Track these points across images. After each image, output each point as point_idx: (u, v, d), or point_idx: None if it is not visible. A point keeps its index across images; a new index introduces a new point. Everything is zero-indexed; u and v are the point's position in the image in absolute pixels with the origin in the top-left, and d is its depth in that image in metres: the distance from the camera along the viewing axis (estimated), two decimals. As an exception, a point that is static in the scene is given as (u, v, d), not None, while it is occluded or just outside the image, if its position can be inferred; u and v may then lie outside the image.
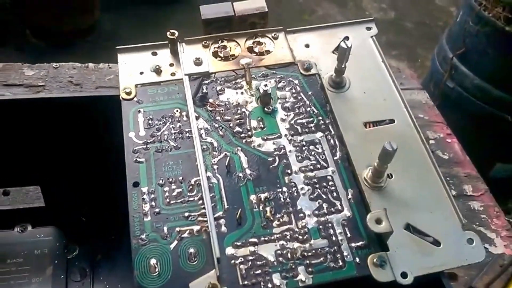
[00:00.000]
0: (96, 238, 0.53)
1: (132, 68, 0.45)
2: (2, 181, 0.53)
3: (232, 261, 0.35)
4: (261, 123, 0.43)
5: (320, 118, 0.44)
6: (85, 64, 0.76)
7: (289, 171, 0.40)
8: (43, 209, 0.54)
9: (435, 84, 1.41)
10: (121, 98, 0.43)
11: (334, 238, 0.37)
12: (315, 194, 0.39)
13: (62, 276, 0.49)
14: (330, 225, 0.37)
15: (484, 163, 1.33)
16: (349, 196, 0.39)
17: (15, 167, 0.50)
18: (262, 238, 0.36)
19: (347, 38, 0.49)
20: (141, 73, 0.45)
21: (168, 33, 0.45)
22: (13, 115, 0.46)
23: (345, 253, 0.36)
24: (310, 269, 0.35)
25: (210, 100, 0.44)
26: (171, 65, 0.46)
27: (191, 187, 0.39)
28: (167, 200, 0.38)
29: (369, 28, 0.50)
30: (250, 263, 0.35)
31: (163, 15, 2.03)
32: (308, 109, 0.44)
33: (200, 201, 0.38)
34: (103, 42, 1.83)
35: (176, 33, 0.45)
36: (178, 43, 0.46)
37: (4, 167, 0.50)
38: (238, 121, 0.43)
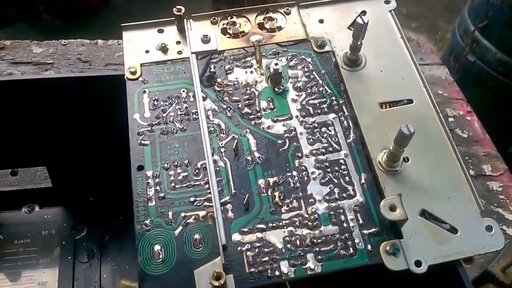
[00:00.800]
0: (104, 219, 0.52)
1: (138, 46, 0.44)
2: (10, 161, 0.53)
3: (239, 248, 0.34)
4: (271, 103, 0.41)
5: (334, 98, 0.42)
6: (94, 41, 0.74)
7: (299, 154, 0.38)
8: (51, 189, 0.53)
9: (455, 58, 1.37)
10: (125, 78, 0.42)
11: (345, 224, 0.35)
12: (326, 179, 0.37)
13: (69, 257, 0.49)
14: (341, 211, 0.36)
15: (505, 139, 1.30)
16: (362, 181, 0.37)
17: (22, 147, 0.50)
18: (270, 224, 0.35)
19: (364, 12, 0.46)
20: (147, 51, 0.44)
21: (174, 9, 0.43)
22: (18, 96, 0.45)
23: (356, 240, 0.35)
24: (319, 257, 0.34)
25: (218, 80, 0.42)
26: (178, 43, 0.44)
27: (197, 170, 0.37)
28: (172, 184, 0.36)
29: (387, 2, 0.47)
30: (257, 250, 0.34)
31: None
32: (321, 88, 0.42)
33: (206, 186, 0.36)
34: (115, 17, 1.81)
35: (183, 9, 0.43)
36: (185, 19, 0.44)
37: (11, 147, 0.49)
38: (247, 101, 0.41)
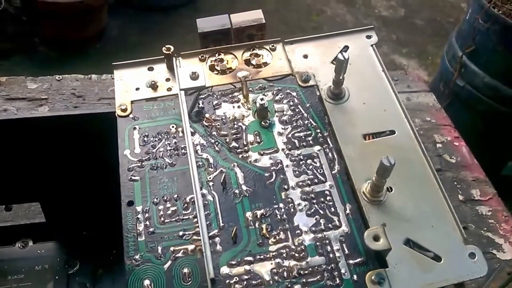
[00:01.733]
0: (97, 253, 0.53)
1: (128, 84, 0.45)
2: (4, 197, 0.54)
3: (227, 281, 0.35)
4: (258, 137, 0.42)
5: (318, 131, 0.43)
6: (88, 76, 0.76)
7: (286, 187, 0.39)
8: (44, 224, 0.54)
9: (444, 83, 1.40)
10: (116, 115, 0.43)
11: (331, 255, 0.36)
12: (312, 210, 0.38)
13: (63, 292, 0.49)
14: (327, 241, 0.37)
15: (496, 162, 1.32)
16: (347, 211, 0.38)
17: (16, 183, 0.51)
18: (258, 256, 0.36)
19: (346, 47, 0.48)
20: (137, 89, 0.45)
21: (163, 48, 0.45)
22: (12, 133, 0.47)
23: (342, 271, 0.35)
24: (306, 288, 0.34)
25: (207, 115, 0.44)
26: (168, 80, 0.46)
27: (186, 205, 0.38)
28: (162, 219, 0.37)
29: (369, 37, 0.49)
30: (245, 282, 0.35)
31: (170, 20, 2.04)
32: (306, 122, 0.43)
33: (195, 219, 0.37)
34: (110, 48, 1.84)
35: (172, 48, 0.45)
36: (174, 57, 0.46)
37: (5, 183, 0.50)
38: (234, 136, 0.42)
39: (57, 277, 0.51)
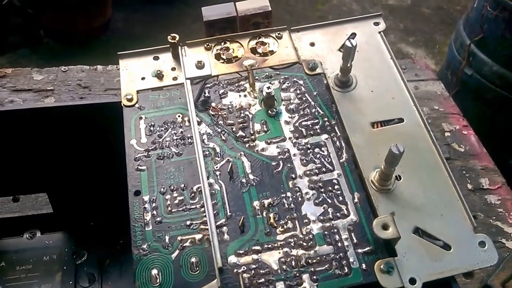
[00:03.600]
0: (105, 243, 0.53)
1: (134, 74, 0.45)
2: (11, 188, 0.54)
3: (235, 270, 0.34)
4: (264, 126, 0.42)
5: (326, 119, 0.42)
6: (93, 67, 0.76)
7: (293, 176, 0.39)
8: (52, 215, 0.54)
9: (452, 72, 1.38)
10: (122, 105, 0.43)
11: (339, 244, 0.36)
12: (320, 199, 0.38)
13: (71, 282, 0.50)
14: (335, 230, 0.36)
15: (504, 151, 1.31)
16: (356, 200, 0.38)
17: (23, 174, 0.51)
18: (266, 246, 0.36)
19: (354, 34, 0.47)
20: (143, 78, 0.45)
21: (169, 37, 0.45)
22: (19, 124, 0.47)
23: (351, 260, 0.35)
24: (314, 277, 0.34)
25: (213, 104, 0.43)
26: (173, 69, 0.45)
27: (193, 194, 0.38)
28: (169, 208, 0.37)
29: (377, 24, 0.49)
30: (253, 271, 0.34)
31: (175, 11, 2.03)
32: (313, 110, 0.43)
33: (202, 209, 0.37)
34: (116, 40, 1.84)
35: (177, 37, 0.45)
36: (179, 46, 0.45)
37: (12, 174, 0.50)
38: (241, 125, 0.42)
39: (65, 268, 0.51)
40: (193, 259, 0.35)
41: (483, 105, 1.29)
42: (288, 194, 0.38)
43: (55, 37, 1.79)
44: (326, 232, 0.36)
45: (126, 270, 0.52)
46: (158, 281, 0.34)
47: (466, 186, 0.69)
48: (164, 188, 0.38)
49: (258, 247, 0.36)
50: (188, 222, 0.37)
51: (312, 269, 0.35)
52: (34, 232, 0.53)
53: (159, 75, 0.45)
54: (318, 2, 2.52)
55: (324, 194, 0.38)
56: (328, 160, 0.40)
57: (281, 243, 0.36)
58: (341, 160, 0.40)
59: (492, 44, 1.23)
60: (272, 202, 0.38)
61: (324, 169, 0.39)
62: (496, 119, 1.29)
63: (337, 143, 0.41)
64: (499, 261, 0.57)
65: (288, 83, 0.45)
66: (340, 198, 0.38)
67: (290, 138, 0.41)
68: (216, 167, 0.39)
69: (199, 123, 0.42)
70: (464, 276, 0.64)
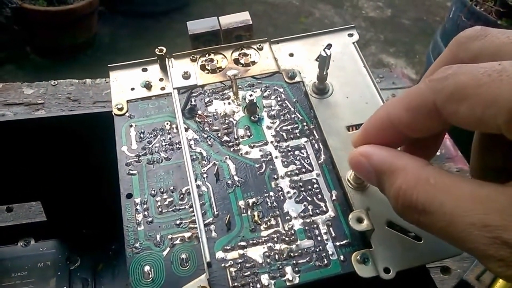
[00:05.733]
0: (97, 249, 0.55)
1: (124, 85, 0.48)
2: (5, 198, 0.56)
3: (222, 264, 0.37)
4: (248, 131, 0.45)
5: (305, 124, 0.45)
6: (82, 80, 0.78)
7: (275, 176, 0.42)
8: (45, 223, 0.56)
9: (430, 81, 1.43)
10: (113, 114, 0.45)
11: (319, 238, 0.39)
12: (300, 197, 0.41)
13: (65, 287, 0.52)
14: (315, 226, 0.39)
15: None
16: (333, 198, 0.41)
17: (17, 184, 0.53)
18: (251, 241, 0.38)
19: (329, 45, 0.50)
20: (132, 89, 0.47)
21: (156, 49, 0.47)
22: (12, 135, 0.49)
23: (330, 252, 0.38)
24: (297, 269, 0.37)
25: (199, 112, 0.46)
26: (161, 80, 0.48)
27: (182, 195, 0.41)
28: (159, 209, 0.40)
29: (351, 35, 0.52)
30: (239, 265, 0.37)
31: (160, 26, 2.06)
32: (293, 115, 0.46)
33: (191, 209, 0.40)
34: (102, 55, 1.86)
35: (164, 49, 0.48)
36: (166, 58, 0.48)
37: (6, 184, 0.52)
38: (226, 130, 0.45)
39: (59, 273, 0.53)
40: (183, 256, 0.37)
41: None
42: (271, 193, 0.41)
43: (42, 53, 1.81)
44: (306, 228, 0.39)
45: (118, 274, 0.54)
46: (150, 276, 0.36)
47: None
48: (154, 190, 0.41)
49: (243, 243, 0.38)
50: (178, 222, 0.39)
51: (294, 261, 0.37)
52: (29, 240, 0.55)
53: (148, 86, 0.47)
54: (301, 16, 2.57)
55: (304, 193, 0.41)
56: (307, 161, 0.43)
57: (265, 238, 0.38)
58: (319, 161, 0.43)
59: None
60: (256, 201, 0.40)
61: (304, 170, 0.42)
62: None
63: (316, 145, 0.44)
64: (474, 258, 0.60)
65: (269, 91, 0.48)
66: (319, 196, 0.41)
67: (272, 142, 0.44)
68: (203, 170, 0.42)
69: (186, 130, 0.44)
70: (441, 272, 0.67)
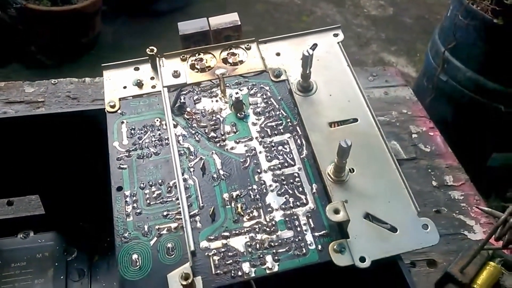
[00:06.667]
0: (93, 241, 0.57)
1: (116, 83, 0.50)
2: (5, 192, 0.58)
3: (206, 253, 0.39)
4: (234, 127, 0.47)
5: (289, 120, 0.47)
6: (82, 79, 0.81)
7: (259, 170, 0.44)
8: (44, 216, 0.58)
9: (428, 79, 1.44)
10: (106, 111, 0.48)
11: (299, 229, 0.41)
12: (282, 190, 0.43)
13: (62, 277, 0.54)
14: (295, 217, 0.41)
15: (480, 153, 1.37)
16: (314, 191, 0.43)
17: (17, 178, 0.55)
18: (234, 232, 0.40)
19: (315, 45, 0.52)
20: (125, 87, 0.49)
21: (147, 49, 0.49)
22: (13, 132, 0.51)
23: (308, 242, 0.40)
24: (276, 258, 0.39)
25: (188, 109, 0.48)
26: (152, 78, 0.50)
27: (169, 188, 0.43)
28: (148, 201, 0.42)
29: (336, 35, 0.54)
30: (222, 254, 0.39)
31: (162, 25, 2.08)
32: (278, 112, 0.48)
33: (178, 201, 0.42)
34: (105, 54, 1.89)
35: (155, 49, 0.50)
36: (157, 58, 0.50)
37: (6, 178, 0.55)
38: (213, 127, 0.47)
39: (56, 264, 0.55)
40: (169, 245, 0.39)
41: (459, 109, 1.35)
42: (254, 186, 0.43)
43: (46, 53, 1.83)
44: (287, 219, 0.41)
45: (113, 265, 0.56)
46: (138, 264, 0.38)
47: (431, 183, 0.74)
48: (143, 183, 0.43)
49: (227, 233, 0.40)
50: (165, 213, 0.41)
51: (274, 250, 0.39)
52: (28, 232, 0.58)
53: (139, 84, 0.49)
54: (304, 14, 2.58)
55: (286, 186, 0.43)
56: (290, 156, 0.45)
57: (247, 229, 0.41)
58: (301, 156, 0.45)
59: (465, 51, 1.29)
60: (239, 194, 0.42)
61: (286, 164, 0.44)
62: (472, 122, 1.34)
63: (298, 141, 0.46)
64: (460, 251, 0.62)
65: (255, 89, 0.50)
66: (300, 189, 0.43)
67: (256, 138, 0.46)
68: (190, 165, 0.44)
69: (175, 126, 0.47)
70: (428, 265, 0.69)
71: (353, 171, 0.44)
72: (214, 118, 0.48)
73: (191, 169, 0.44)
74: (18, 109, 0.74)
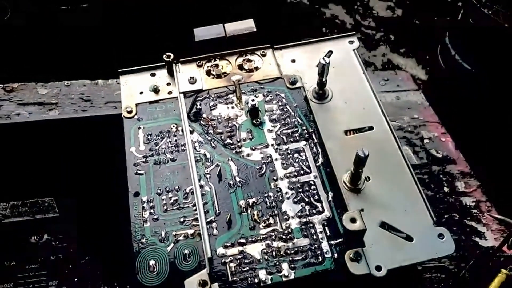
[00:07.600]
0: (107, 245, 0.58)
1: (133, 89, 0.50)
2: (20, 194, 0.59)
3: (223, 260, 0.39)
4: (250, 134, 0.47)
5: (304, 128, 0.48)
6: (94, 81, 0.81)
7: (275, 178, 0.44)
8: (58, 219, 0.59)
9: (437, 81, 1.44)
10: (123, 117, 0.48)
11: (315, 237, 0.41)
12: (298, 198, 0.43)
13: (75, 279, 0.54)
14: (311, 225, 0.41)
15: (489, 153, 1.36)
16: (329, 199, 0.43)
17: (32, 181, 0.56)
18: (250, 239, 0.41)
19: (330, 52, 0.53)
20: (141, 92, 0.50)
21: (164, 56, 0.50)
22: (28, 135, 0.52)
23: (324, 250, 0.40)
24: (292, 265, 0.39)
25: (204, 115, 0.49)
26: (168, 84, 0.50)
27: (186, 195, 0.43)
28: (165, 207, 0.42)
29: (351, 42, 0.54)
30: (238, 261, 0.39)
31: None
32: (293, 120, 0.48)
33: (194, 207, 0.42)
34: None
35: (172, 56, 0.50)
36: (174, 64, 0.51)
37: (22, 181, 0.55)
38: (229, 133, 0.47)
39: (70, 266, 0.56)
40: (186, 251, 0.40)
41: (467, 111, 1.35)
42: (270, 194, 0.43)
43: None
44: (303, 227, 0.41)
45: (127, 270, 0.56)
46: (155, 270, 0.39)
47: (443, 189, 0.74)
48: (160, 189, 0.43)
49: (243, 240, 0.40)
50: (181, 219, 0.42)
51: (291, 258, 0.40)
52: (42, 234, 0.58)
53: (156, 90, 0.50)
54: (312, 16, 2.58)
55: (302, 194, 0.43)
56: (305, 164, 0.45)
57: (264, 236, 0.41)
58: (317, 164, 0.45)
59: (474, 54, 1.29)
60: (256, 201, 0.43)
61: (302, 172, 0.45)
62: (479, 125, 1.34)
63: (314, 149, 0.46)
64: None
65: (271, 96, 0.50)
66: (316, 197, 0.43)
67: (272, 145, 0.46)
68: (207, 171, 0.44)
69: (191, 132, 0.47)
70: (439, 272, 0.68)
71: (369, 179, 0.44)
72: (230, 124, 0.48)
73: (208, 176, 0.44)
74: (31, 110, 0.74)
